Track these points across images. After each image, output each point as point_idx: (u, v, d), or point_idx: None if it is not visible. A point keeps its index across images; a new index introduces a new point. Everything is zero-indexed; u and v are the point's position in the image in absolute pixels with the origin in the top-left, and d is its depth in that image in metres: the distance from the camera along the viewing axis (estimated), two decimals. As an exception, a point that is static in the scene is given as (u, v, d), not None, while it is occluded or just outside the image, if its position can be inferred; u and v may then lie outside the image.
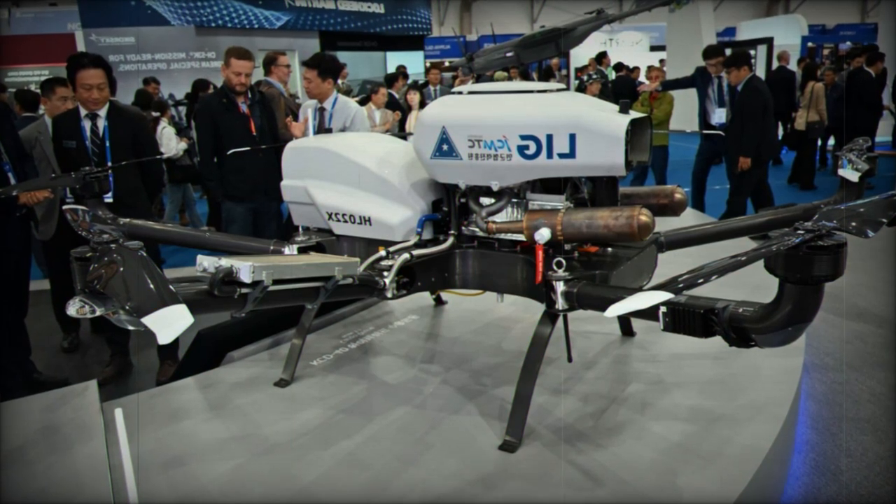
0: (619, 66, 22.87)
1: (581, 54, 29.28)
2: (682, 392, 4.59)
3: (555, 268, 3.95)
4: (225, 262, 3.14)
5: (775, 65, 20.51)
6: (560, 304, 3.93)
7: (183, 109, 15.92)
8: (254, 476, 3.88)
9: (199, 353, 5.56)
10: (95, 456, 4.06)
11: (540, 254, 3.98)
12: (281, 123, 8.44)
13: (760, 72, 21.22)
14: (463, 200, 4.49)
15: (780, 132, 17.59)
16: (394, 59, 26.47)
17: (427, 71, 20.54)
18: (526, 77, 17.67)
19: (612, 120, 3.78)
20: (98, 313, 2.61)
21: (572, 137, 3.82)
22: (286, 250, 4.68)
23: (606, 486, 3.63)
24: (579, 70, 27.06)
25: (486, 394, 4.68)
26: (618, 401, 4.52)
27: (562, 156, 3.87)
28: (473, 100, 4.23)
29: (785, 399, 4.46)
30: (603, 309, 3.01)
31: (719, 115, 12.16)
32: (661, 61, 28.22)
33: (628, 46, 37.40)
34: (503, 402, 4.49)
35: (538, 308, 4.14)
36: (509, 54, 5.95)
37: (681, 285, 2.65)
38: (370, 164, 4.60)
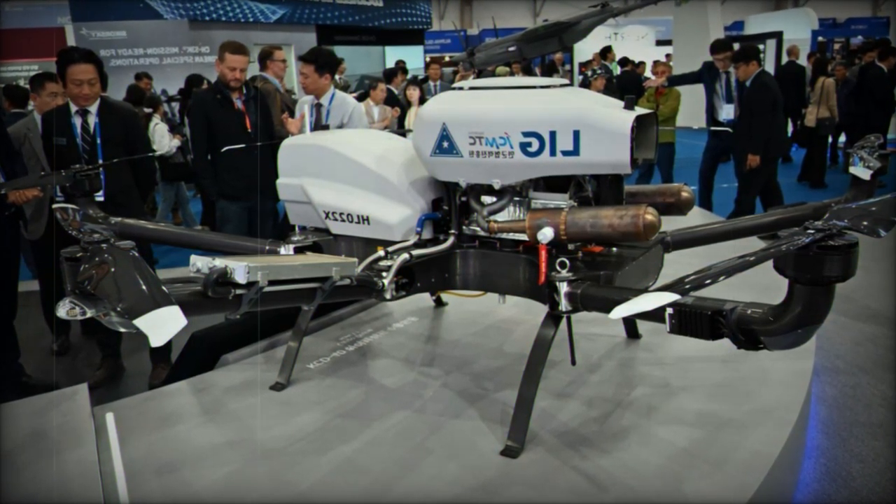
0: (624, 61, 22.86)
1: (585, 49, 29.20)
2: (689, 396, 4.59)
3: (558, 268, 3.94)
4: (219, 262, 3.13)
5: (785, 59, 20.49)
6: (563, 305, 3.93)
7: (176, 105, 15.89)
8: (249, 482, 3.88)
9: (193, 356, 5.56)
10: (86, 462, 4.05)
11: (543, 254, 3.97)
12: (277, 120, 8.46)
13: (769, 67, 21.17)
14: (464, 199, 4.49)
15: (790, 129, 17.58)
16: (393, 54, 26.50)
17: (427, 66, 20.58)
18: (528, 72, 17.68)
19: (616, 116, 3.79)
20: (88, 315, 2.61)
21: (576, 134, 3.82)
22: (282, 250, 4.68)
23: (611, 492, 3.63)
24: (583, 65, 27.03)
25: (488, 398, 4.68)
26: (623, 405, 4.52)
27: (565, 153, 3.87)
28: (475, 96, 4.23)
29: (794, 403, 4.46)
30: (607, 310, 3.01)
31: (727, 112, 12.16)
32: (668, 56, 28.21)
33: (634, 41, 37.35)
34: (505, 406, 4.49)
35: (541, 310, 4.14)
36: (512, 49, 5.95)
37: (688, 286, 2.65)
38: (368, 161, 4.60)
